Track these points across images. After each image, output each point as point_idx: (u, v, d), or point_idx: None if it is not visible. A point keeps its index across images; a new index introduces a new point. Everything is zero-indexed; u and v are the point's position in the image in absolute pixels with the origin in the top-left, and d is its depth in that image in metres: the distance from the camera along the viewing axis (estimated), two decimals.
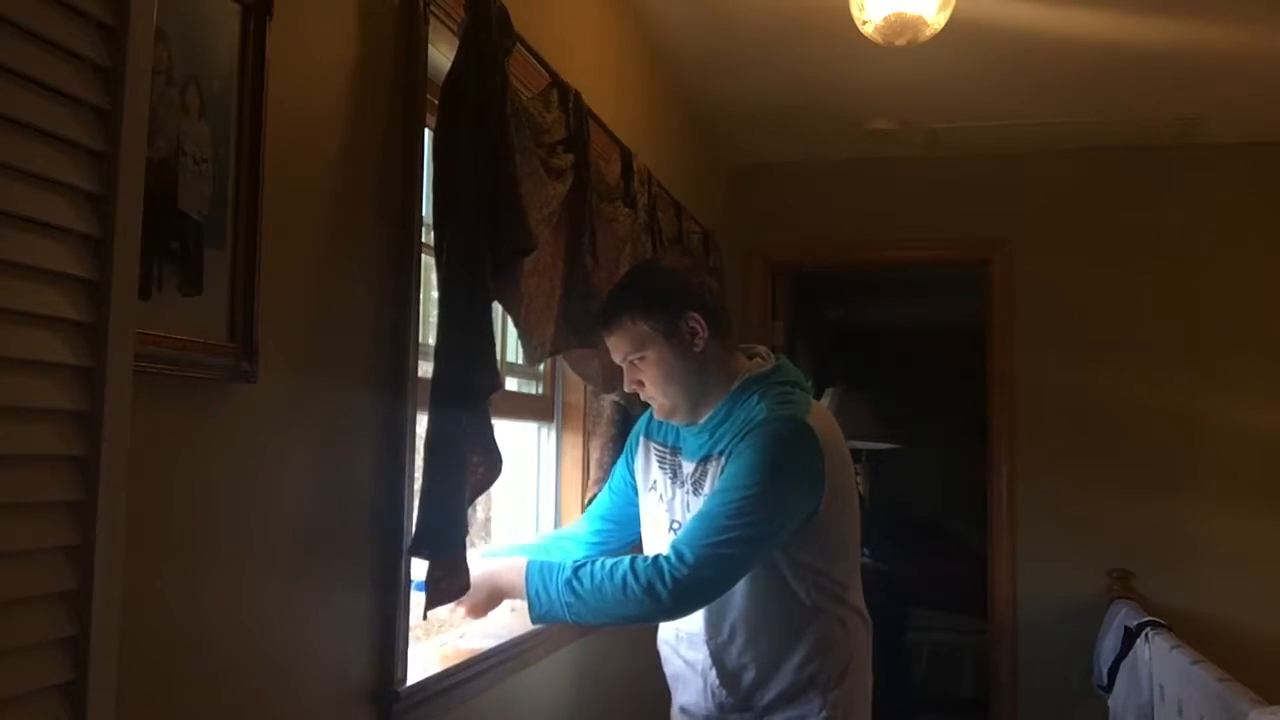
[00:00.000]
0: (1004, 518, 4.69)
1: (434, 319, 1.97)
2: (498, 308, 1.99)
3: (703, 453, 2.00)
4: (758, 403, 1.94)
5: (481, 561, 2.00)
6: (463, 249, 1.82)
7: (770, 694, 2.00)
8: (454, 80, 1.86)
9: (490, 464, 1.92)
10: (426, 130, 1.97)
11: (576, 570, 1.92)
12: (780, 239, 4.92)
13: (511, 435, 2.84)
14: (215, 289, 1.40)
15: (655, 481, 2.11)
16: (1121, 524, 4.54)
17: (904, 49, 3.00)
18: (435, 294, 1.92)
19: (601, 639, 2.99)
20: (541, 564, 1.97)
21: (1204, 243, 4.62)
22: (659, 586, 1.84)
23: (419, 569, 1.88)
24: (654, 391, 1.99)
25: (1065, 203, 4.75)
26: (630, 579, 1.86)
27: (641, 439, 2.18)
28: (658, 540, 2.08)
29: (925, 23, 2.86)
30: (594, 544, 2.25)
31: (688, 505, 2.02)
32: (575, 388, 3.05)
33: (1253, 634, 4.34)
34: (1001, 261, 4.80)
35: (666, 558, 1.87)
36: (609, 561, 1.92)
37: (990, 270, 4.82)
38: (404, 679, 1.86)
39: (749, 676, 2.00)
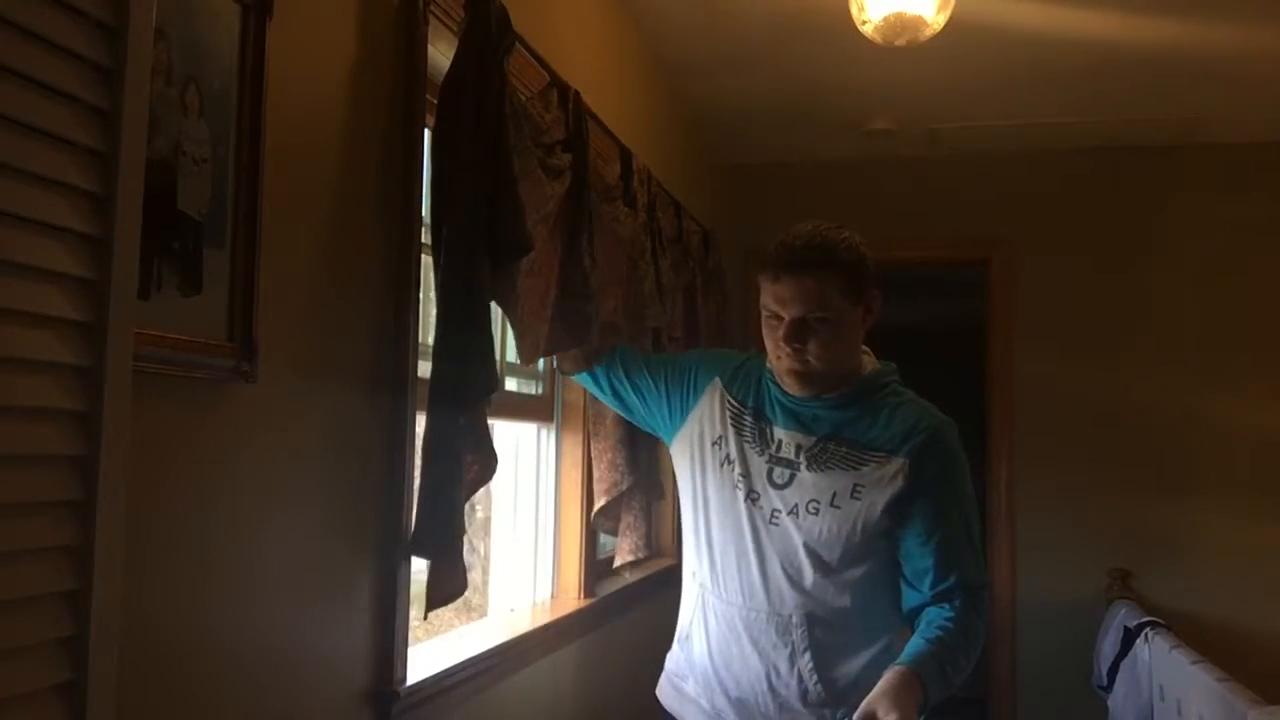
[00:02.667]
0: (1004, 518, 4.69)
1: (433, 319, 1.97)
2: (497, 309, 1.99)
3: (826, 430, 1.87)
4: (911, 401, 1.92)
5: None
6: (461, 249, 1.82)
7: (849, 689, 1.84)
8: (453, 80, 1.86)
9: (484, 463, 1.92)
10: (426, 130, 1.97)
11: (944, 660, 1.74)
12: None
13: (512, 435, 2.84)
14: (215, 289, 1.40)
15: (721, 439, 1.94)
16: (1121, 524, 4.54)
17: (904, 49, 3.00)
18: (435, 293, 1.92)
19: (601, 639, 2.99)
20: (929, 672, 1.71)
21: (1204, 243, 4.62)
22: (983, 617, 1.85)
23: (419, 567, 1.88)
24: (815, 352, 1.82)
25: (1065, 203, 4.75)
26: (977, 629, 1.83)
27: (719, 383, 1.99)
28: (725, 505, 1.92)
29: (925, 23, 2.86)
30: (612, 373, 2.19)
31: (786, 478, 1.87)
32: (575, 388, 3.05)
33: (1253, 634, 4.34)
34: (1001, 261, 4.80)
35: (975, 593, 1.83)
36: (948, 629, 1.77)
37: (990, 270, 4.82)
38: (404, 679, 1.86)
39: (845, 671, 1.86)
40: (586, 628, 2.87)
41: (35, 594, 0.96)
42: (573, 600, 2.90)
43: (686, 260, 3.47)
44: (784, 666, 1.86)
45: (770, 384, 1.94)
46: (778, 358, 1.87)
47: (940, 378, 7.75)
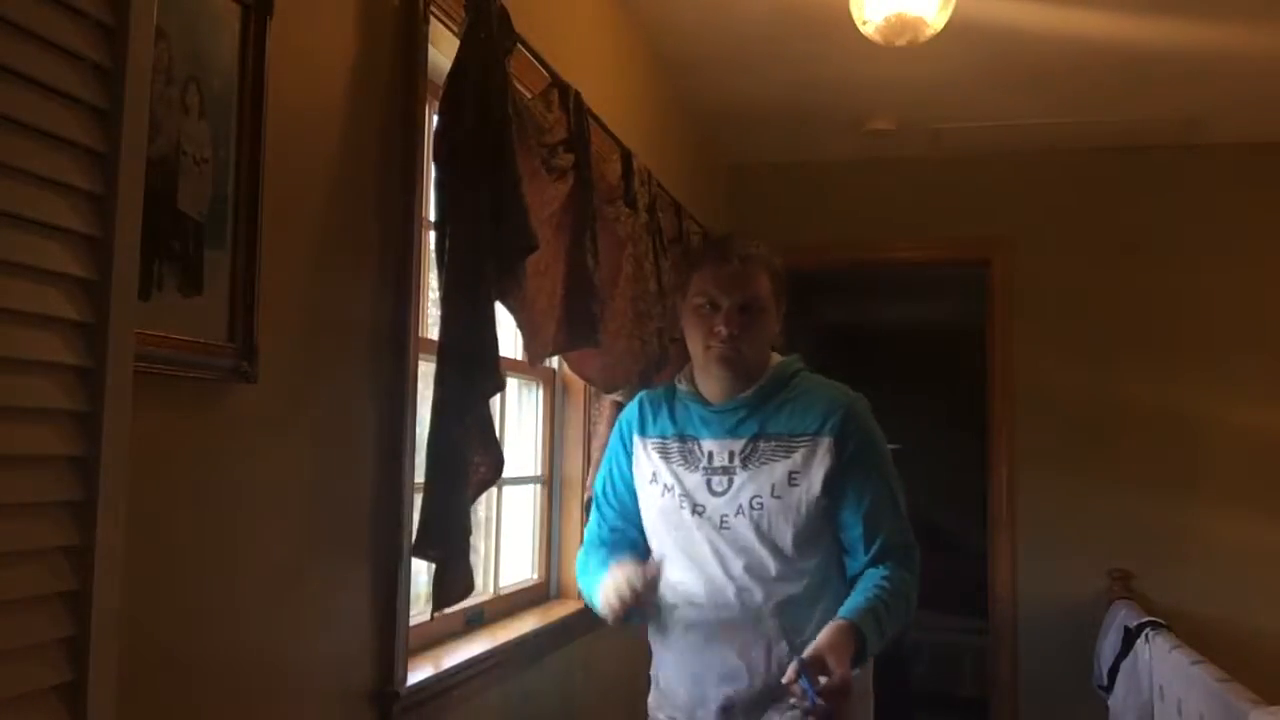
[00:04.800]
0: (1004, 518, 4.69)
1: (435, 319, 1.97)
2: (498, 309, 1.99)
3: (753, 430, 1.97)
4: (821, 384, 2.04)
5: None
6: (465, 249, 1.82)
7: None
8: (455, 80, 1.86)
9: (492, 463, 1.92)
10: (426, 130, 1.97)
11: (880, 614, 1.85)
12: (780, 239, 4.89)
13: (512, 435, 2.84)
14: (215, 289, 1.39)
15: (655, 474, 2.03)
16: (1121, 524, 4.54)
17: (904, 49, 3.00)
18: (435, 293, 1.92)
19: (600, 639, 2.99)
20: (866, 624, 1.82)
21: (1204, 242, 4.62)
22: (914, 574, 1.97)
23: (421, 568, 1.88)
24: (745, 340, 1.96)
25: (1065, 203, 4.75)
26: (910, 584, 1.95)
27: (636, 439, 2.09)
28: (674, 526, 1.99)
29: (925, 23, 2.86)
30: (621, 544, 2.14)
31: (725, 484, 1.96)
32: (575, 389, 3.05)
33: (1253, 634, 4.33)
34: (1001, 261, 4.79)
35: (905, 551, 1.96)
36: (883, 586, 1.88)
37: (990, 270, 4.82)
38: (404, 679, 1.86)
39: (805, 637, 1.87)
40: (586, 628, 2.87)
41: (35, 594, 0.95)
42: (573, 600, 2.90)
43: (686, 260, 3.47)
44: (760, 656, 1.93)
45: (689, 403, 2.05)
46: (708, 347, 1.98)
47: (940, 378, 7.80)
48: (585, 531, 2.18)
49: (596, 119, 2.54)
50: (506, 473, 2.03)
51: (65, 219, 0.97)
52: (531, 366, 2.48)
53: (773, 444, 1.96)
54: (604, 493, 2.15)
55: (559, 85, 2.34)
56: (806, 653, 1.74)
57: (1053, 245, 4.75)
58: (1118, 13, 3.31)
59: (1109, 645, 4.02)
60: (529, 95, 2.22)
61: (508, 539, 2.78)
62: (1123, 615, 4.00)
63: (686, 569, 1.97)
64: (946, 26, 2.91)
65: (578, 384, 3.00)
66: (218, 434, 1.43)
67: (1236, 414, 4.51)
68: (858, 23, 2.94)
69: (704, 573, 1.95)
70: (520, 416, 2.92)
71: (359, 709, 1.77)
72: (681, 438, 2.03)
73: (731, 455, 1.97)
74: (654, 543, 2.06)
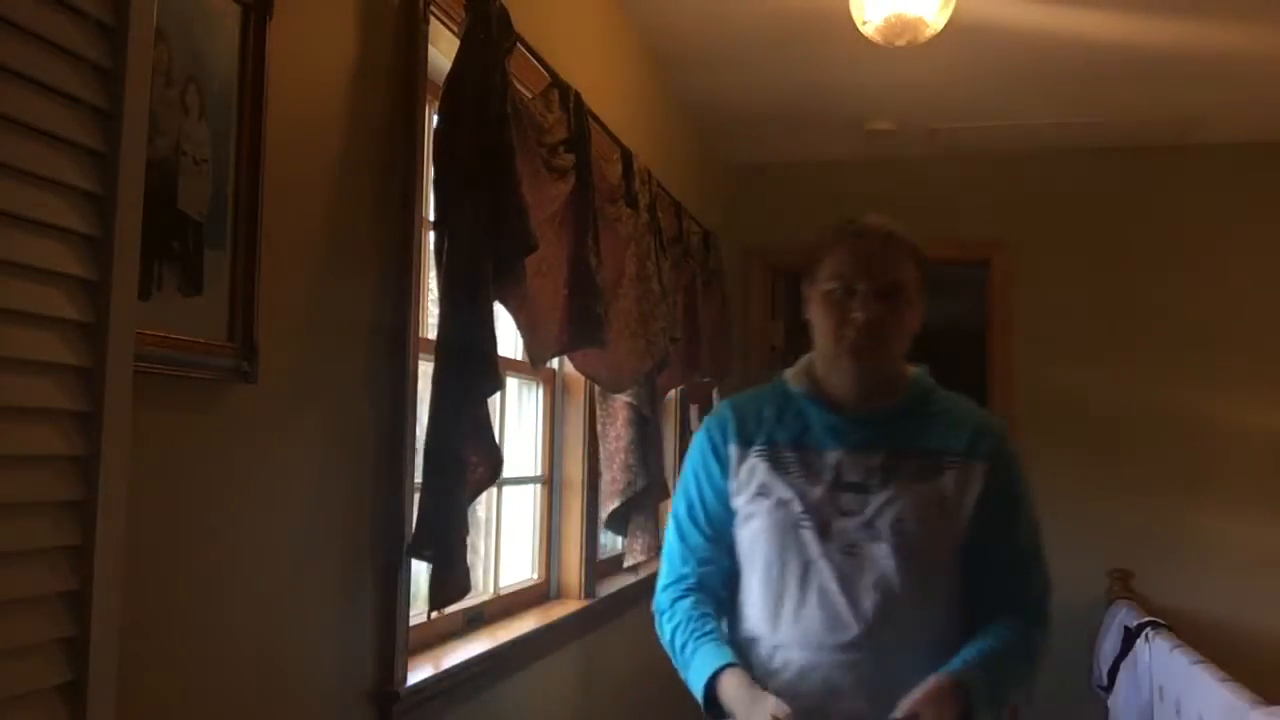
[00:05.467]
0: None
1: (434, 319, 1.97)
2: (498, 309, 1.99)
3: (892, 444, 1.68)
4: (963, 402, 1.78)
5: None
6: (465, 249, 1.82)
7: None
8: (454, 80, 1.86)
9: (490, 464, 1.92)
10: (426, 130, 1.97)
11: (997, 674, 1.62)
12: (780, 239, 4.91)
13: (512, 435, 2.84)
14: (215, 289, 1.39)
15: (765, 486, 1.69)
16: (1121, 524, 4.54)
17: (904, 49, 3.00)
18: (436, 294, 1.92)
19: (601, 639, 2.99)
20: (976, 685, 1.58)
21: (1204, 243, 4.62)
22: (1046, 629, 1.77)
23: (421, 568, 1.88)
24: (889, 332, 1.67)
25: (1065, 203, 4.75)
26: (1038, 645, 1.73)
27: (734, 449, 1.74)
28: (787, 547, 1.66)
29: (925, 24, 2.86)
30: (712, 584, 1.77)
31: (859, 502, 1.64)
32: (576, 390, 3.05)
33: (1253, 634, 4.33)
34: (1001, 261, 4.80)
35: (1039, 605, 1.75)
36: (1007, 642, 1.66)
37: (990, 270, 4.82)
38: (404, 679, 1.86)
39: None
40: (586, 628, 2.87)
41: (35, 594, 0.95)
42: (573, 600, 2.90)
43: (687, 260, 3.47)
44: (866, 692, 1.60)
45: (808, 407, 1.73)
46: (840, 337, 1.66)
47: (940, 378, 7.80)
48: (664, 562, 1.81)
49: (596, 119, 2.54)
50: (507, 472, 2.03)
51: (65, 219, 0.97)
52: (534, 368, 2.48)
53: (916, 462, 1.67)
54: (690, 514, 1.78)
55: (559, 85, 2.34)
56: (901, 710, 1.51)
57: (1053, 245, 4.75)
58: (1118, 13, 3.30)
59: (1109, 645, 4.02)
60: (529, 95, 2.22)
61: (508, 539, 2.78)
62: (1123, 615, 4.00)
63: (798, 600, 1.64)
64: (946, 26, 2.91)
65: (578, 384, 3.00)
66: (218, 434, 1.43)
67: (1237, 414, 4.51)
68: (858, 23, 2.94)
69: (825, 604, 1.62)
70: (520, 416, 2.92)
71: (359, 709, 1.77)
72: (799, 445, 1.71)
73: (868, 471, 1.66)
74: (754, 569, 1.71)
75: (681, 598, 1.74)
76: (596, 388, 2.89)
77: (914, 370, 1.78)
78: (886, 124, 4.38)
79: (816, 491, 1.67)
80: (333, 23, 1.71)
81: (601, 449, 2.94)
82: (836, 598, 1.62)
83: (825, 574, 1.63)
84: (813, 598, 1.63)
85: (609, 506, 2.90)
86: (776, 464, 1.70)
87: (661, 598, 1.78)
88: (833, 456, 1.68)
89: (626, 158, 2.82)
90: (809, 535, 1.65)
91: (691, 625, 1.70)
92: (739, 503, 1.72)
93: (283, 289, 1.54)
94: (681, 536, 1.78)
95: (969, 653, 1.61)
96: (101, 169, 1.01)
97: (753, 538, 1.71)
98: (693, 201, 3.79)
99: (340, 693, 1.72)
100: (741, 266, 4.85)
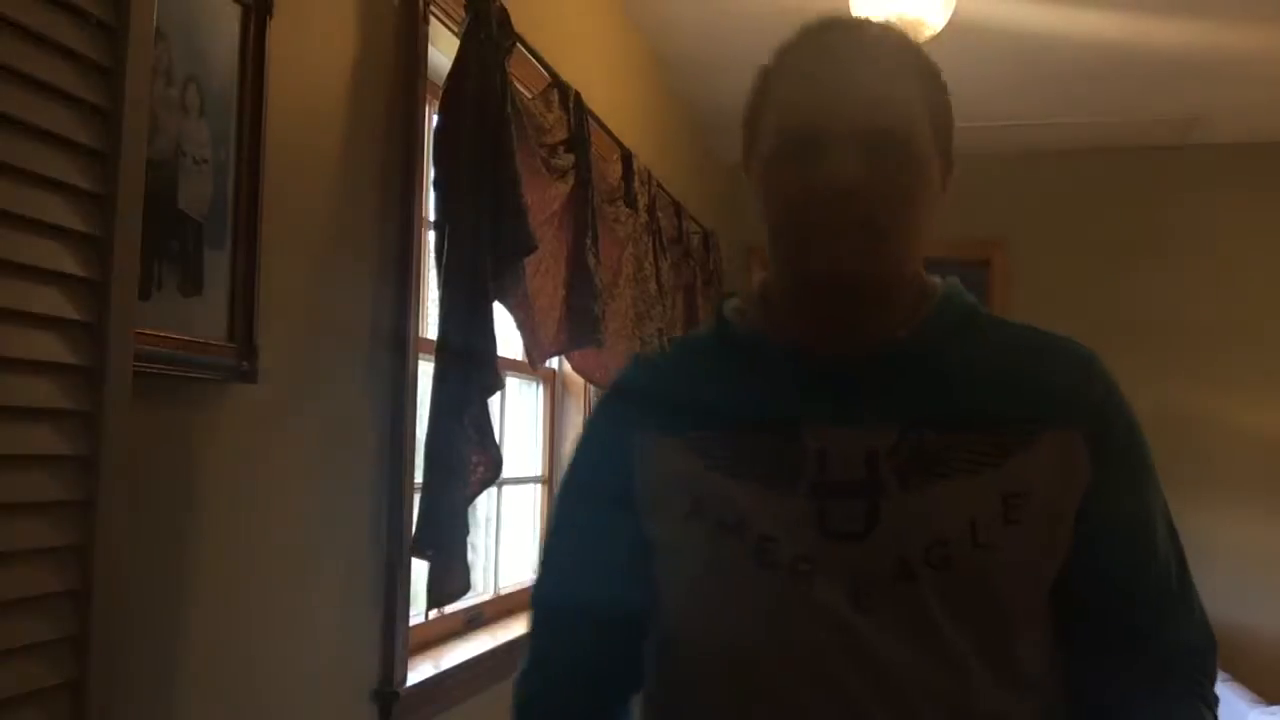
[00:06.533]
0: None
1: (434, 319, 1.97)
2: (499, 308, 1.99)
3: (913, 410, 0.96)
4: (1025, 328, 1.12)
5: None
6: (465, 249, 1.83)
7: None
8: (455, 80, 1.86)
9: (491, 463, 1.92)
10: (426, 130, 1.97)
11: None
12: None
13: (512, 434, 2.84)
14: (215, 289, 1.39)
15: (700, 501, 0.97)
16: None
17: None
18: (436, 294, 1.92)
19: None
20: None
21: (1204, 243, 4.62)
22: (1214, 709, 1.01)
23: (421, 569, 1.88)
24: (891, 213, 0.94)
25: (1065, 203, 4.75)
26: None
27: (644, 438, 1.01)
28: (747, 606, 0.95)
29: (925, 23, 2.86)
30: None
31: (862, 517, 0.93)
32: (575, 389, 3.05)
33: (1253, 634, 4.33)
34: (1001, 261, 4.80)
35: (1201, 659, 1.02)
36: None
37: (990, 270, 4.82)
38: (404, 679, 1.86)
39: None
40: None
41: (35, 594, 0.95)
42: None
43: (687, 260, 3.47)
44: None
45: (770, 356, 1.01)
46: (803, 233, 0.95)
47: None
48: (530, 630, 1.11)
49: (596, 119, 2.54)
50: (506, 472, 2.03)
51: (65, 219, 0.97)
52: (534, 368, 2.48)
53: (960, 436, 0.95)
54: (568, 552, 1.08)
55: (559, 85, 2.34)
56: None
57: (1053, 245, 4.74)
58: (1118, 12, 3.30)
59: None
60: (529, 95, 2.22)
61: (508, 539, 2.78)
62: None
63: (775, 697, 0.93)
64: (946, 26, 2.91)
65: (578, 383, 3.00)
66: (218, 434, 1.43)
67: (1237, 414, 4.51)
68: None
69: (819, 704, 0.92)
70: (520, 416, 2.92)
71: (359, 709, 1.77)
72: (754, 424, 0.98)
73: (872, 457, 0.95)
74: (685, 648, 1.00)
75: (540, 700, 1.07)
76: (594, 388, 2.89)
77: (941, 282, 1.07)
78: None
79: (789, 503, 0.94)
80: (333, 23, 1.71)
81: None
82: (836, 694, 0.91)
83: (818, 651, 0.92)
84: (793, 693, 0.93)
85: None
86: (717, 457, 0.97)
87: (517, 691, 1.09)
88: (812, 436, 0.95)
89: (626, 158, 2.82)
90: (780, 582, 0.93)
91: None
92: (656, 528, 0.99)
93: (283, 289, 1.54)
94: (553, 589, 1.09)
95: None
96: (101, 169, 1.01)
97: (682, 590, 0.99)
98: (693, 201, 3.79)
99: (340, 692, 1.72)
100: (742, 266, 4.84)
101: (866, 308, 0.99)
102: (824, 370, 0.99)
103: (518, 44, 2.05)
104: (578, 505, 1.09)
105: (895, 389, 0.97)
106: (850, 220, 0.93)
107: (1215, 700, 1.01)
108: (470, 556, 1.95)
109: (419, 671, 1.96)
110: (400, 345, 1.87)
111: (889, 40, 1.01)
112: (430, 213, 1.97)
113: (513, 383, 2.82)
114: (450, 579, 1.86)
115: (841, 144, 0.93)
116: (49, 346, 0.96)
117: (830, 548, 0.93)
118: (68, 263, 0.98)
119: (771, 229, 1.00)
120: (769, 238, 1.01)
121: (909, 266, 1.02)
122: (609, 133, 2.71)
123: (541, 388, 2.99)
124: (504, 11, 1.98)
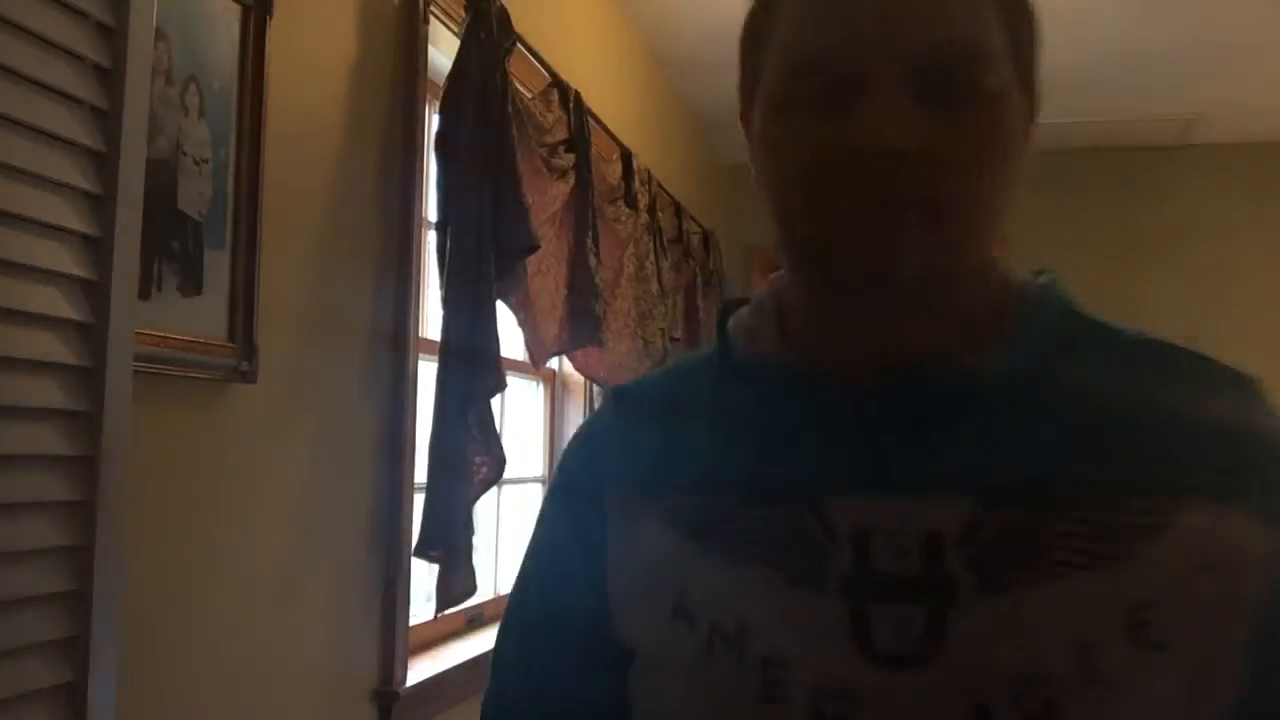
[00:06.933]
0: None
1: (435, 319, 1.97)
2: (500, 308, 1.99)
3: (994, 470, 0.63)
4: (1150, 341, 0.75)
5: None
6: (466, 249, 1.83)
7: None
8: (455, 80, 1.86)
9: (494, 462, 1.93)
10: (427, 130, 1.97)
11: None
12: None
13: (513, 435, 2.84)
14: (215, 289, 1.39)
15: (681, 598, 0.66)
16: None
17: None
18: (436, 293, 1.92)
19: None
20: None
21: (1204, 243, 4.62)
22: None
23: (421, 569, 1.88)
24: (948, 184, 0.61)
25: (1065, 203, 4.75)
26: None
27: (620, 499, 0.72)
28: None
29: None
30: None
31: (920, 638, 0.60)
32: (578, 385, 3.05)
33: None
34: (1001, 261, 4.79)
35: None
36: None
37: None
38: (404, 679, 1.86)
39: None
40: None
41: (35, 594, 0.95)
42: None
43: (687, 260, 3.47)
44: None
45: (789, 391, 0.69)
46: (829, 229, 0.64)
47: None
48: None
49: (596, 119, 2.54)
50: (507, 472, 2.03)
51: (65, 219, 0.97)
52: (535, 368, 2.48)
53: (1063, 515, 0.62)
54: (516, 695, 0.86)
55: (559, 85, 2.34)
56: None
57: (1053, 245, 4.74)
58: (1118, 12, 3.30)
59: None
60: (529, 95, 2.22)
61: (508, 539, 2.78)
62: None
63: None
64: None
65: (579, 384, 3.00)
66: (218, 434, 1.43)
67: None
68: None
69: None
70: (522, 416, 2.92)
71: (359, 709, 1.77)
72: (766, 491, 0.66)
73: (935, 542, 0.62)
74: None
75: None
76: (596, 387, 2.89)
77: (1031, 280, 0.81)
78: None
79: (810, 604, 0.63)
80: (333, 23, 1.71)
81: None
82: None
83: None
84: None
85: None
86: (711, 536, 0.67)
87: None
88: (845, 509, 0.64)
89: (626, 158, 2.82)
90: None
91: None
92: (631, 632, 0.69)
93: (283, 289, 1.54)
94: (498, 713, 0.87)
95: None
96: (101, 169, 1.01)
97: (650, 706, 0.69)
98: (693, 201, 3.79)
99: (340, 692, 1.72)
100: (741, 266, 4.84)
101: (923, 320, 0.66)
102: (862, 411, 0.65)
103: (518, 44, 2.05)
104: (536, 598, 0.80)
105: (967, 440, 0.64)
106: (899, 194, 0.61)
107: None
108: (475, 557, 1.95)
109: (419, 671, 1.95)
110: (400, 345, 1.87)
111: None
112: (431, 213, 1.97)
113: (513, 382, 2.82)
114: (457, 580, 1.86)
115: (884, 80, 0.61)
116: (49, 346, 0.96)
117: (873, 679, 0.60)
118: (68, 263, 0.98)
119: (782, 211, 0.69)
120: (778, 223, 0.70)
121: (983, 258, 0.71)
122: (609, 133, 2.71)
123: (542, 387, 2.99)
124: (504, 11, 1.98)
